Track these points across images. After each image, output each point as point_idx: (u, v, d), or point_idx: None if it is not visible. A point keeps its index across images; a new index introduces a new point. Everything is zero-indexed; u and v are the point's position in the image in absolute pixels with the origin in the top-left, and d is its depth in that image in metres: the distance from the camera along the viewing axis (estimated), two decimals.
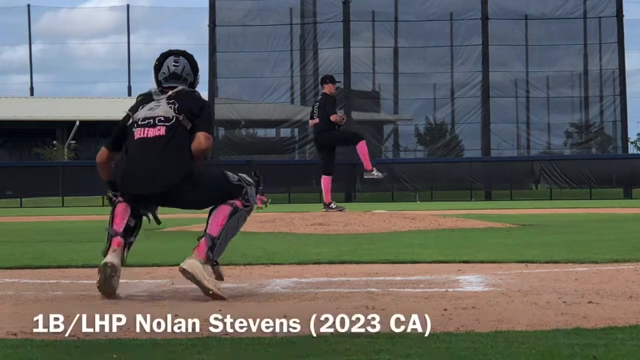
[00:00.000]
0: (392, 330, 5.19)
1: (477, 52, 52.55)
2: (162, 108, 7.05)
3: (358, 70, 53.10)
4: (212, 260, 6.84)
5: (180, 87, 7.19)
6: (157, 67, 7.31)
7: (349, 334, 5.06)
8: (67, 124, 63.02)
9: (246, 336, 5.11)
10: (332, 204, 17.81)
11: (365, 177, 17.51)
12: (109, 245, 6.95)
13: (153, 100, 7.15)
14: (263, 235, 14.80)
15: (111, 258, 6.85)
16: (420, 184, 47.94)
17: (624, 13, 52.19)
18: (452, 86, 53.41)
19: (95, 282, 6.91)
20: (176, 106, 7.03)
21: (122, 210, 7.02)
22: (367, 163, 17.35)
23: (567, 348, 4.56)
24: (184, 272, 6.79)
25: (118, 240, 6.94)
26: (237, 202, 7.03)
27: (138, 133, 7.03)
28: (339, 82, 19.30)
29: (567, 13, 52.73)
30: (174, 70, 7.25)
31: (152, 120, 7.02)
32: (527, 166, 50.06)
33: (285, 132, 57.23)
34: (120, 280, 7.64)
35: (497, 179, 48.93)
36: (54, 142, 63.31)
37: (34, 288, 7.76)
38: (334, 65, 52.58)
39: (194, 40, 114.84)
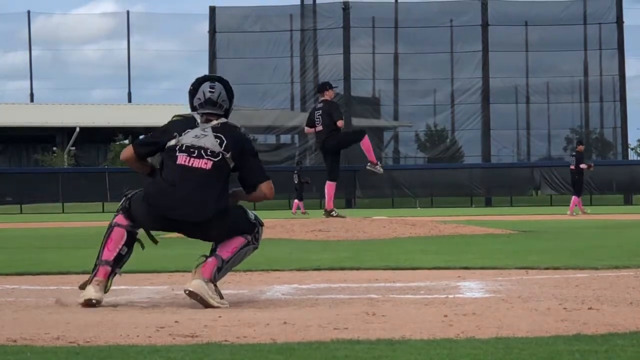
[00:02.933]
0: (392, 337, 5.19)
1: (477, 58, 52.60)
2: (209, 139, 6.95)
3: (358, 77, 53.14)
4: (215, 281, 6.83)
5: (222, 120, 7.12)
6: (192, 92, 7.21)
7: (349, 340, 5.05)
8: (67, 130, 63.03)
9: (246, 342, 5.11)
10: (334, 212, 17.82)
11: (367, 167, 17.67)
12: (94, 275, 6.90)
13: (197, 127, 7.10)
14: (263, 242, 14.77)
15: (95, 293, 6.79)
16: (420, 190, 47.97)
17: (624, 19, 52.22)
18: (452, 92, 53.45)
19: (78, 301, 6.88)
20: (224, 142, 6.98)
21: (118, 236, 6.96)
22: (371, 156, 17.56)
23: (567, 354, 4.56)
24: (190, 294, 6.75)
25: (105, 270, 6.89)
26: (250, 237, 7.05)
27: (181, 159, 6.91)
28: (337, 86, 19.39)
29: (567, 19, 52.77)
30: (209, 96, 7.15)
31: (198, 151, 6.95)
32: (527, 172, 50.06)
33: (285, 139, 57.27)
34: (121, 287, 7.65)
35: (498, 185, 48.96)
36: (54, 148, 63.31)
37: (34, 294, 7.76)
38: (333, 72, 52.65)
39: (188, 47, 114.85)
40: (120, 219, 7.00)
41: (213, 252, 6.93)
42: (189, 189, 6.85)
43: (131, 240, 7.00)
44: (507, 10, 52.73)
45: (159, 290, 7.79)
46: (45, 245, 15.33)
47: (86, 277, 7.41)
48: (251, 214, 7.13)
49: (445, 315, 6.10)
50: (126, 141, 61.27)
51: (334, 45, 53.15)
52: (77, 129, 62.25)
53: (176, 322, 5.90)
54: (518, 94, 53.14)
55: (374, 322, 5.88)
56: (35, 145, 65.00)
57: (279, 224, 17.74)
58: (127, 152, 7.17)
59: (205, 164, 6.90)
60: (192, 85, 7.23)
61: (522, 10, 52.85)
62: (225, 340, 5.16)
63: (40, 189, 47.46)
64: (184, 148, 6.94)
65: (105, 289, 6.89)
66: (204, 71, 53.12)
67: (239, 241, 6.97)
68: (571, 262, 10.19)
